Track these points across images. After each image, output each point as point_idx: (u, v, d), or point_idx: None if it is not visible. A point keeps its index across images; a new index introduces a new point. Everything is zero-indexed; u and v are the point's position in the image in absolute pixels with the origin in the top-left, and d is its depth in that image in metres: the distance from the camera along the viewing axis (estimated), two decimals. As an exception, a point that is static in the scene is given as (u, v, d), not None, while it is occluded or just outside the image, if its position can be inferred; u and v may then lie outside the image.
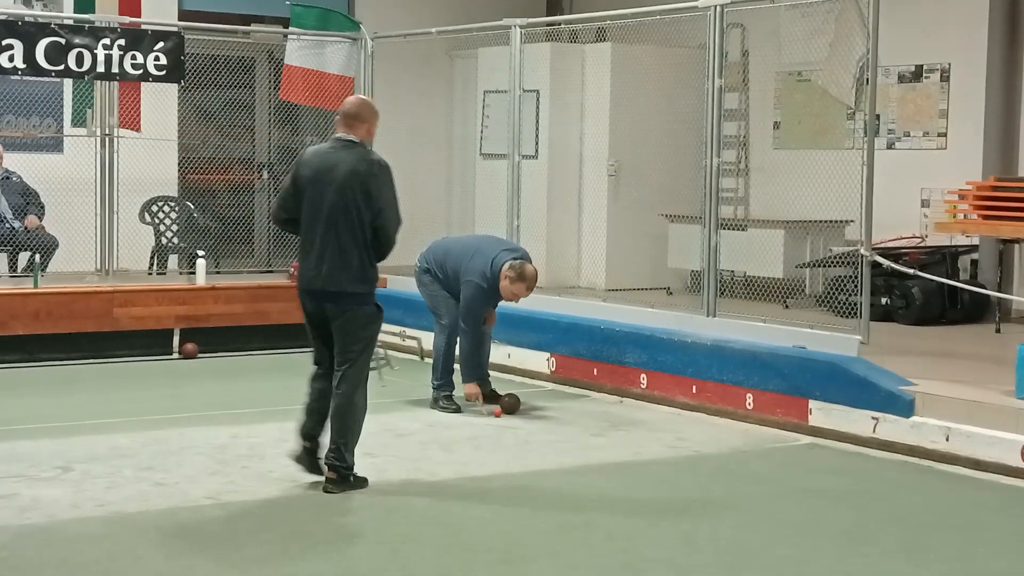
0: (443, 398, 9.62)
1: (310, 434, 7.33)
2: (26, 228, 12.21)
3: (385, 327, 12.31)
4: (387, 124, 13.68)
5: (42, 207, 12.46)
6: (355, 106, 7.34)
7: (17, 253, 12.43)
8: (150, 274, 13.12)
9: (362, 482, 7.28)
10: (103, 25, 12.06)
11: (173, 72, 12.35)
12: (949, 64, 12.29)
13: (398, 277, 12.81)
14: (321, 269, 7.13)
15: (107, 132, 12.45)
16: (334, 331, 7.22)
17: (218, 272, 13.10)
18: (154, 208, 13.27)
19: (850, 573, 6.03)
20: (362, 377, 7.27)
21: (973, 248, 11.93)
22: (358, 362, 7.22)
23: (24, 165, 12.55)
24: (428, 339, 10.27)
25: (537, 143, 12.96)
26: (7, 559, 5.95)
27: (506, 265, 9.30)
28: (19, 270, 12.40)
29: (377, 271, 7.29)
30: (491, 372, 9.86)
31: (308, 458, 7.35)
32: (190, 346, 11.97)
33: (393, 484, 7.45)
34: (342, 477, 7.17)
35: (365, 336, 7.27)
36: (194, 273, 12.34)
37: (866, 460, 8.29)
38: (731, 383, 9.48)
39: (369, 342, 7.32)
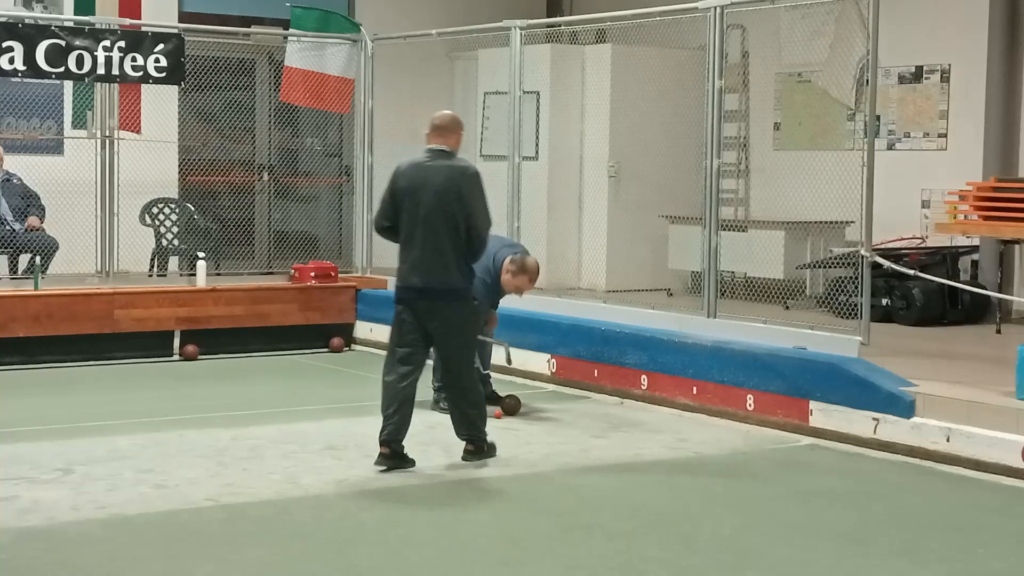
0: (444, 399, 9.60)
1: (395, 439, 7.77)
2: (28, 228, 12.20)
3: (386, 330, 12.45)
4: (387, 125, 13.81)
5: (43, 209, 12.46)
6: (447, 120, 7.99)
7: (17, 255, 12.42)
8: (150, 276, 13.12)
9: (492, 448, 8.03)
10: (103, 27, 12.06)
11: (173, 74, 12.35)
12: (949, 65, 12.29)
13: (398, 279, 12.80)
14: (421, 268, 7.76)
15: (107, 134, 12.44)
16: (436, 327, 7.82)
17: (218, 274, 13.11)
18: (154, 210, 13.28)
19: (850, 573, 6.03)
20: (470, 363, 7.98)
21: (973, 249, 11.93)
22: (464, 352, 7.94)
23: (24, 167, 12.56)
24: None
25: (537, 144, 12.96)
26: (7, 561, 5.95)
27: (507, 260, 9.30)
28: (19, 272, 12.39)
29: (472, 269, 7.93)
30: (491, 373, 9.86)
31: (395, 459, 7.77)
32: (191, 348, 11.98)
33: (393, 486, 7.45)
34: (478, 448, 7.96)
35: (468, 327, 7.99)
36: (194, 275, 12.35)
37: (867, 461, 8.29)
38: (732, 384, 9.48)
39: (473, 332, 8.07)
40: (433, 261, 7.73)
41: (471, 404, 7.98)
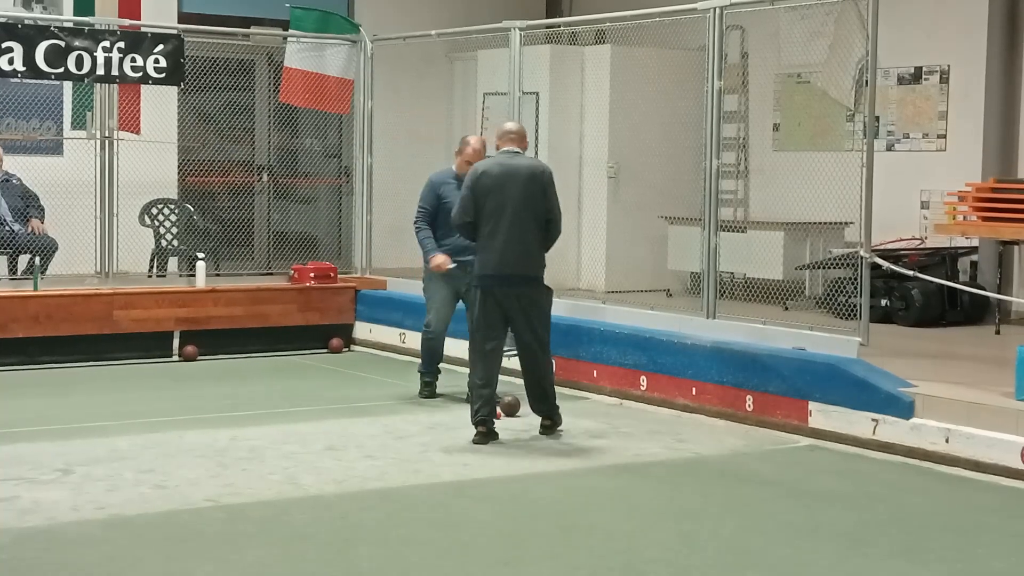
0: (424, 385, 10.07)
1: (490, 416, 8.66)
2: (32, 231, 12.21)
3: (385, 331, 12.50)
4: (387, 126, 13.82)
5: (42, 210, 12.45)
6: (520, 128, 9.03)
7: (17, 256, 12.42)
8: (150, 276, 13.11)
9: (560, 419, 8.86)
10: (103, 28, 12.06)
11: (173, 75, 12.35)
12: (948, 66, 12.29)
13: (398, 279, 12.83)
14: (508, 257, 8.53)
15: (107, 135, 12.45)
16: (519, 310, 8.59)
17: (218, 274, 13.10)
18: (154, 211, 13.27)
19: (851, 574, 6.03)
20: (548, 341, 8.76)
21: (973, 250, 11.93)
22: (547, 330, 8.73)
23: (24, 168, 12.55)
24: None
25: (537, 145, 12.95)
26: (7, 561, 5.95)
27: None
28: (19, 273, 12.39)
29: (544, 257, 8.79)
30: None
31: (490, 436, 8.61)
32: (190, 348, 11.98)
33: (394, 486, 7.46)
34: (555, 423, 8.83)
35: (548, 310, 8.78)
36: (194, 275, 12.35)
37: (866, 462, 8.29)
38: (731, 385, 9.48)
39: (550, 314, 8.81)
40: (520, 250, 8.53)
41: (550, 382, 8.78)
